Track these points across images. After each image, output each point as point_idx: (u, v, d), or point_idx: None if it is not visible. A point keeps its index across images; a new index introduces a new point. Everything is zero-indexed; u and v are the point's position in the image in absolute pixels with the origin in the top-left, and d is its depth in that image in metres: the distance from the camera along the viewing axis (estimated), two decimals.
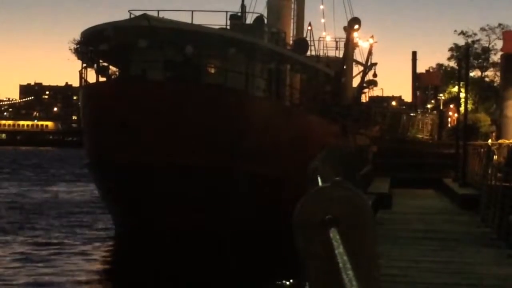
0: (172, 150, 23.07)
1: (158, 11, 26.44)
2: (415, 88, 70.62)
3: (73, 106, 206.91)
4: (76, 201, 37.89)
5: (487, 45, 61.16)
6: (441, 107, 63.97)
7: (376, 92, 57.10)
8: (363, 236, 3.65)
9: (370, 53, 42.91)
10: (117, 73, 28.40)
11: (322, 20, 48.22)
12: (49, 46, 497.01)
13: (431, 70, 69.11)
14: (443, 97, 66.66)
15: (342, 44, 40.24)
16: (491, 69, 61.42)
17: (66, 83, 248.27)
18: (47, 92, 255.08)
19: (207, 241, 22.22)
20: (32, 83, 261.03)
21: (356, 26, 37.75)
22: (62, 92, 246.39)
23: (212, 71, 26.43)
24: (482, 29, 60.91)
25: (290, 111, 28.96)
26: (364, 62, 43.40)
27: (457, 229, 16.09)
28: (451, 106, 61.56)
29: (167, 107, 23.34)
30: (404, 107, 77.88)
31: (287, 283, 17.37)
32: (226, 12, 28.20)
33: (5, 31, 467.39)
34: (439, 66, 67.07)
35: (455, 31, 63.58)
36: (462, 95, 33.09)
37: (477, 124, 45.57)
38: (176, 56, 24.53)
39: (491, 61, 61.18)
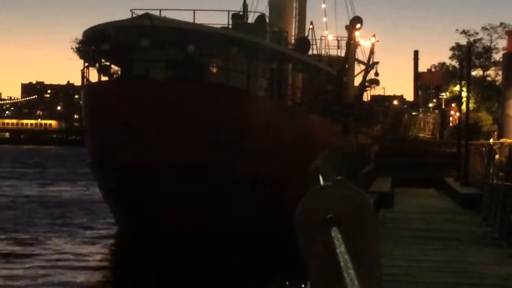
0: (174, 150, 23.08)
1: (160, 10, 26.50)
2: (417, 87, 70.67)
3: (74, 105, 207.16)
4: (77, 200, 37.92)
5: (489, 44, 61.12)
6: (443, 106, 63.99)
7: (378, 91, 57.24)
8: (365, 235, 3.66)
9: (372, 52, 42.91)
10: (119, 72, 28.43)
11: (324, 19, 48.31)
12: (51, 45, 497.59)
13: (432, 69, 69.11)
14: (444, 96, 66.66)
15: (344, 43, 40.27)
16: (493, 68, 61.36)
17: (68, 82, 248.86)
18: (49, 91, 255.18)
19: (209, 240, 22.24)
20: (34, 82, 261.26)
21: (358, 25, 37.73)
22: (64, 91, 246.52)
23: (214, 70, 26.45)
24: (484, 28, 60.86)
25: (292, 111, 28.96)
26: (365, 61, 43.41)
27: (458, 228, 16.09)
28: (453, 105, 61.57)
29: (169, 107, 23.35)
30: (406, 106, 77.94)
31: (289, 283, 17.38)
32: (228, 11, 28.28)
33: (7, 30, 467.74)
34: (441, 65, 67.05)
35: (457, 30, 63.47)
36: (464, 94, 33.09)
37: (478, 123, 45.53)
38: (178, 55, 24.55)
39: (492, 60, 61.12)
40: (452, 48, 62.13)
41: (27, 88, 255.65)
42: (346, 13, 47.12)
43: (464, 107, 29.47)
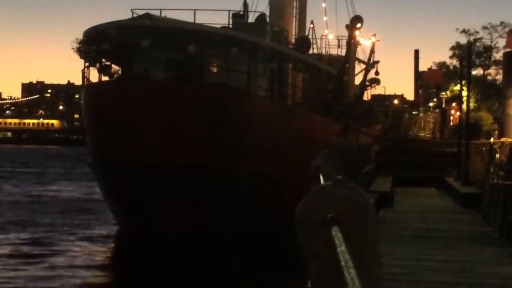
0: (174, 150, 23.09)
1: (161, 10, 26.52)
2: (417, 87, 70.67)
3: (75, 104, 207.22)
4: (77, 199, 37.92)
5: (489, 43, 61.13)
6: (443, 106, 64.01)
7: (378, 90, 57.29)
8: (365, 235, 3.67)
9: (372, 51, 42.94)
10: (120, 72, 28.44)
11: (324, 18, 48.37)
12: (51, 44, 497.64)
13: (433, 68, 69.10)
14: (445, 96, 66.66)
15: (344, 42, 40.31)
16: (493, 67, 61.37)
17: (68, 81, 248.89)
18: (49, 91, 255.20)
19: (210, 240, 22.24)
20: (34, 82, 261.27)
21: (359, 25, 37.74)
22: (64, 91, 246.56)
23: (215, 70, 26.45)
24: (484, 27, 60.88)
25: (293, 110, 28.97)
26: (366, 61, 43.44)
27: (459, 227, 16.08)
28: (453, 104, 61.54)
29: (169, 107, 23.36)
30: (406, 105, 77.95)
31: (289, 282, 17.38)
32: (229, 11, 28.29)
33: (7, 30, 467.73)
34: (441, 64, 67.07)
35: (457, 29, 63.56)
36: (464, 93, 33.05)
37: (479, 122, 45.52)
38: (179, 55, 24.56)
39: (493, 59, 61.13)
40: (453, 47, 62.17)
41: (27, 88, 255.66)
42: (347, 12, 47.33)
43: (464, 106, 29.45)
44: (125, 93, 23.95)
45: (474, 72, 54.98)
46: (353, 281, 2.74)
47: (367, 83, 43.83)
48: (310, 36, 39.45)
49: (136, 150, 23.09)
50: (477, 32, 60.91)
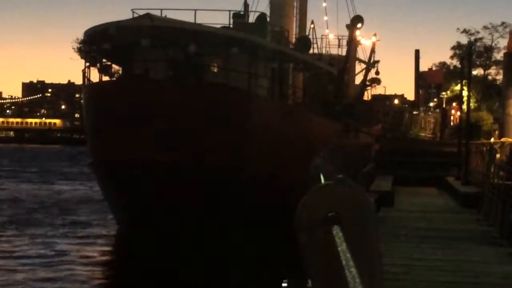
0: (175, 150, 23.09)
1: (161, 10, 26.55)
2: (417, 86, 70.63)
3: (75, 104, 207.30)
4: (77, 199, 37.92)
5: (489, 43, 61.16)
6: (444, 106, 64.05)
7: (378, 90, 57.22)
8: (366, 234, 3.67)
9: (372, 51, 42.96)
10: (120, 72, 28.45)
11: (325, 18, 48.40)
12: (52, 44, 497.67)
13: (433, 68, 69.15)
14: (445, 96, 66.68)
15: (344, 42, 40.35)
16: (494, 67, 61.44)
17: (69, 81, 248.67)
18: (50, 90, 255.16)
19: (210, 240, 22.24)
20: (35, 81, 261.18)
21: (359, 24, 37.78)
22: (65, 90, 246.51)
23: (215, 70, 26.46)
24: (485, 27, 60.93)
25: (293, 110, 28.98)
26: (366, 60, 43.45)
27: (459, 227, 16.09)
28: (454, 104, 61.58)
29: (170, 107, 23.36)
30: (406, 105, 77.87)
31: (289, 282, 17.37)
32: (229, 11, 28.30)
33: (8, 29, 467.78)
34: (442, 64, 67.12)
35: (458, 29, 63.68)
36: (465, 93, 33.07)
37: (479, 122, 45.53)
38: (179, 55, 24.56)
39: (493, 59, 61.20)
40: (453, 47, 62.23)
41: (28, 87, 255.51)
42: (347, 12, 47.37)
43: (465, 106, 29.44)
44: (125, 92, 23.96)
45: (474, 72, 55.05)
46: (354, 280, 2.75)
47: (367, 83, 43.84)
48: (310, 36, 39.50)
49: (136, 149, 23.09)
50: (478, 32, 61.01)
